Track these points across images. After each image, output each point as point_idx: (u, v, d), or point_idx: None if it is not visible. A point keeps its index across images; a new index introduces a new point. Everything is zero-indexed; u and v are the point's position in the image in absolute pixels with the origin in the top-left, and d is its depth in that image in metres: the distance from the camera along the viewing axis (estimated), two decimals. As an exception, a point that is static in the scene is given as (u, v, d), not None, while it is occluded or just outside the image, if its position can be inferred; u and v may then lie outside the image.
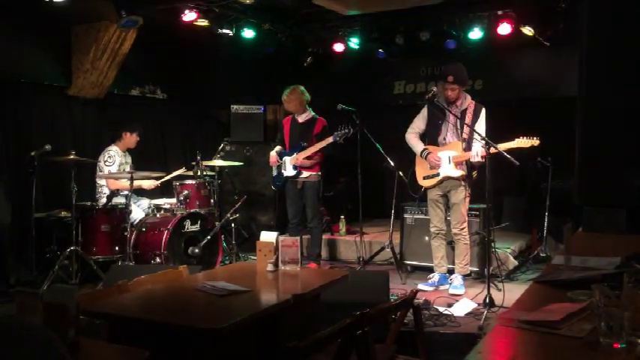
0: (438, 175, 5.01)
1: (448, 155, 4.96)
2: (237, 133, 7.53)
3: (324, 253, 6.43)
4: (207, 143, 7.41)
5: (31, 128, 5.88)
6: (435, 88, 5.10)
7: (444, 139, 5.04)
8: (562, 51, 6.86)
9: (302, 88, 5.89)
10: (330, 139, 5.62)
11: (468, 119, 4.90)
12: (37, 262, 5.22)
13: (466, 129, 4.90)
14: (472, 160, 4.84)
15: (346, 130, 5.57)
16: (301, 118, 5.94)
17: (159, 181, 6.10)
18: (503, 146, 4.62)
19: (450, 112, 4.92)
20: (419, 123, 5.17)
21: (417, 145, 5.13)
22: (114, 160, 5.81)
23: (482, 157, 4.67)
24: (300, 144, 5.80)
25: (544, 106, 7.12)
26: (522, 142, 4.74)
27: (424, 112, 5.16)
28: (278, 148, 6.04)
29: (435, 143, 5.07)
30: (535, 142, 4.75)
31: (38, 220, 5.33)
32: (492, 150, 4.43)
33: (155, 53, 6.91)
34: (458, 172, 4.94)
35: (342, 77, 8.33)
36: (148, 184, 6.00)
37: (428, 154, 5.01)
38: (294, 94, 5.85)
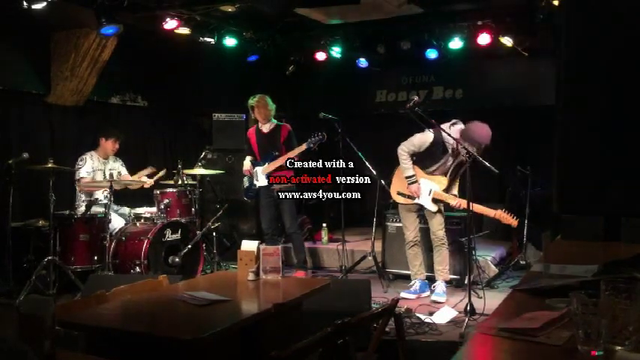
0: (412, 198, 5.07)
1: (430, 188, 5.00)
2: (218, 141, 7.50)
3: (306, 262, 6.41)
4: (189, 151, 7.38)
5: (8, 136, 5.80)
6: (416, 97, 5.13)
7: (433, 169, 5.06)
8: (540, 61, 6.98)
9: (268, 97, 5.91)
10: (304, 147, 5.65)
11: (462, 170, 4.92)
12: (14, 272, 5.12)
13: (452, 173, 4.98)
14: (452, 205, 4.93)
15: (320, 136, 5.60)
16: (265, 128, 5.97)
17: (152, 178, 6.13)
18: (482, 209, 4.77)
19: (454, 159, 4.93)
20: (419, 147, 4.95)
21: (408, 167, 4.99)
22: (84, 162, 5.82)
23: (456, 206, 4.82)
24: (272, 153, 5.81)
25: (523, 114, 7.22)
26: (503, 217, 4.77)
27: (428, 141, 4.88)
28: (250, 158, 6.05)
29: (422, 167, 5.08)
30: (514, 222, 4.78)
31: (15, 229, 5.24)
32: (472, 207, 4.45)
33: (136, 61, 6.86)
34: (434, 208, 5.05)
35: (324, 86, 8.36)
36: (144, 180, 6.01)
37: (413, 182, 4.99)
38: (263, 101, 5.86)
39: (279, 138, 5.89)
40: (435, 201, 5.01)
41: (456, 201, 4.87)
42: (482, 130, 4.70)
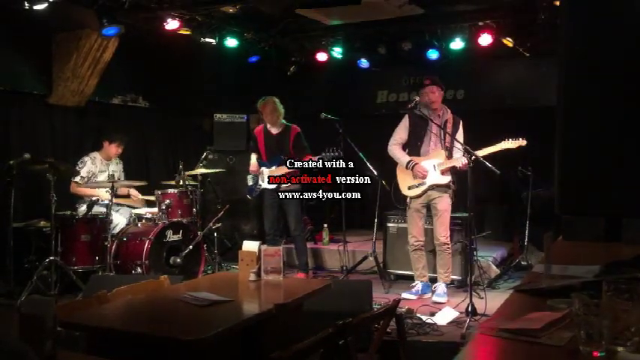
0: (424, 184, 5.02)
1: (433, 164, 4.99)
2: (220, 142, 7.51)
3: (307, 262, 6.40)
4: (190, 152, 7.38)
5: (9, 137, 5.81)
6: (417, 98, 5.14)
7: (427, 148, 5.07)
8: (541, 61, 6.97)
9: (277, 100, 5.87)
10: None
11: (448, 129, 4.96)
12: (15, 272, 5.12)
13: (447, 139, 4.95)
14: (457, 166, 4.87)
15: (336, 154, 5.51)
16: (274, 130, 5.90)
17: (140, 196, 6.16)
18: (489, 150, 4.72)
19: (433, 122, 4.96)
20: (401, 134, 5.16)
21: (401, 156, 5.11)
22: (84, 164, 5.83)
23: (464, 165, 4.73)
24: (280, 157, 5.77)
25: (524, 115, 7.20)
26: (509, 144, 4.81)
27: (405, 122, 5.16)
28: (256, 156, 6.02)
29: (417, 153, 5.08)
30: (522, 142, 4.82)
31: (17, 230, 5.24)
32: (473, 158, 4.48)
33: (137, 61, 6.87)
34: (445, 179, 4.99)
35: (325, 86, 8.36)
36: (133, 194, 6.04)
37: (414, 165, 5.01)
38: (271, 106, 5.79)
39: (287, 142, 5.81)
40: (444, 173, 4.99)
41: (460, 161, 4.82)
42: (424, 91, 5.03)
